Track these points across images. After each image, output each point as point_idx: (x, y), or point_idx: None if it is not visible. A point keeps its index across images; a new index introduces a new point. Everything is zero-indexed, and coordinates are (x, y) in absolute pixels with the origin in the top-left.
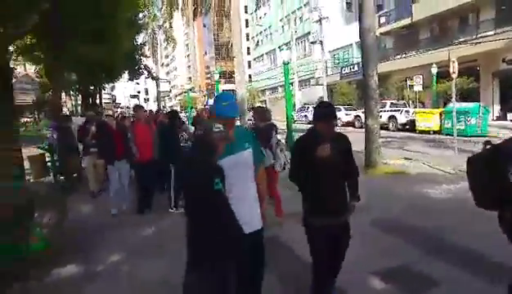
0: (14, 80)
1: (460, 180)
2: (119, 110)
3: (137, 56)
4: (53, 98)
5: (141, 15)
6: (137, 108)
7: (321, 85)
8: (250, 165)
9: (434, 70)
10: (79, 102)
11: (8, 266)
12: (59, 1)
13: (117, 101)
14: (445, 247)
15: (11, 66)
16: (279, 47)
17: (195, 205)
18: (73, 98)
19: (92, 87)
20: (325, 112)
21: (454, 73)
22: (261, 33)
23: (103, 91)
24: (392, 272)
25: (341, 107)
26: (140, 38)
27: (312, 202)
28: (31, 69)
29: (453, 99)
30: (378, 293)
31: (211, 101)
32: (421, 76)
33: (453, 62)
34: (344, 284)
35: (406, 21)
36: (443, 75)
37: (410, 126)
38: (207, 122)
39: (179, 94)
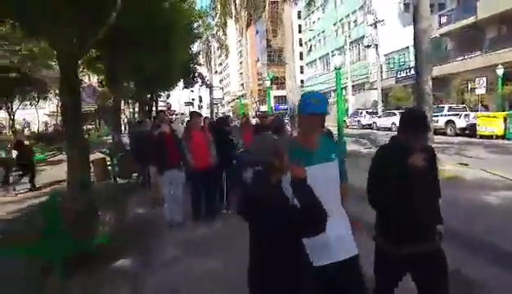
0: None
1: None
2: (173, 117)
3: (192, 65)
4: (114, 106)
5: (195, 24)
6: (194, 114)
7: (375, 89)
8: (337, 178)
9: (500, 71)
10: (136, 109)
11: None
12: (122, 14)
13: (172, 108)
14: (490, 249)
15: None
16: (332, 52)
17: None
18: (130, 106)
19: (148, 95)
20: (413, 120)
21: None
22: (314, 37)
23: (159, 99)
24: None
25: (396, 111)
26: (194, 47)
27: (394, 226)
28: (94, 79)
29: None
30: None
31: (263, 108)
32: (485, 78)
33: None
34: None
35: (469, 20)
36: (510, 77)
37: (471, 131)
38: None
39: (231, 100)
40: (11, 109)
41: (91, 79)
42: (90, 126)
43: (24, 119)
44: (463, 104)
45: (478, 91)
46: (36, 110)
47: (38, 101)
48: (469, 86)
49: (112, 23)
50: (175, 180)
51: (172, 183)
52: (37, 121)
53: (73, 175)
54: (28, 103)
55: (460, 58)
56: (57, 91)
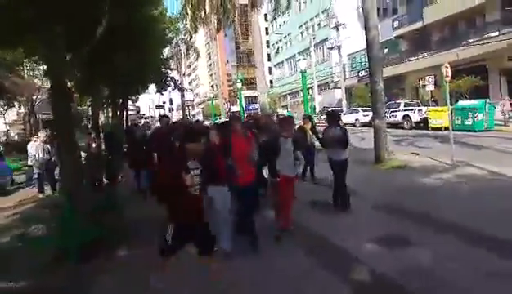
0: (45, 96)
1: (454, 169)
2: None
3: (164, 69)
4: (94, 111)
5: (167, 30)
6: (234, 118)
7: (340, 88)
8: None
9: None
10: (110, 114)
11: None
12: (97, 18)
13: (141, 112)
14: (428, 220)
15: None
16: (298, 53)
17: None
18: (104, 110)
19: (120, 100)
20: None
21: (447, 76)
22: (281, 40)
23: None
24: (387, 239)
25: (359, 109)
26: (165, 52)
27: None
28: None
29: (447, 100)
30: (378, 255)
31: (234, 108)
32: (433, 76)
33: (446, 67)
34: (354, 250)
35: (417, 24)
36: (454, 75)
37: (424, 124)
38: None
39: (202, 102)
40: None
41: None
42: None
43: None
44: (417, 100)
45: (427, 88)
46: (3, 119)
47: (7, 110)
48: (421, 83)
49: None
50: (219, 198)
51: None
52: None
53: (67, 178)
54: None
55: (412, 58)
56: (24, 99)
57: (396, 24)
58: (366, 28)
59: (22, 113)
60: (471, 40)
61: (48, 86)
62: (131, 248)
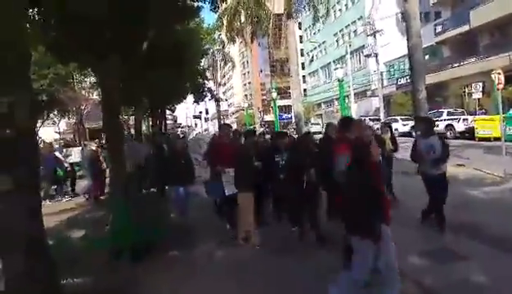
0: (89, 108)
1: (506, 182)
2: (179, 130)
3: (201, 80)
4: (137, 121)
5: (203, 41)
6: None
7: (377, 96)
8: None
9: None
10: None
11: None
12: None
13: (178, 121)
14: (478, 234)
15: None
16: (333, 61)
17: None
18: (145, 121)
19: (159, 110)
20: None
21: (500, 83)
22: (315, 48)
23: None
24: (435, 253)
25: (398, 118)
26: (202, 63)
27: None
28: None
29: (500, 109)
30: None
31: (267, 117)
32: (481, 83)
33: (498, 73)
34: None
35: (463, 28)
36: (507, 81)
37: (470, 134)
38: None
39: (236, 112)
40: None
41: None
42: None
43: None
44: (462, 108)
45: (474, 96)
46: (57, 128)
47: (60, 120)
48: (466, 91)
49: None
50: None
51: None
52: (52, 139)
53: (115, 185)
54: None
55: (456, 64)
56: (74, 109)
57: (438, 29)
58: (408, 35)
59: (71, 123)
60: None
61: (95, 97)
62: (181, 250)
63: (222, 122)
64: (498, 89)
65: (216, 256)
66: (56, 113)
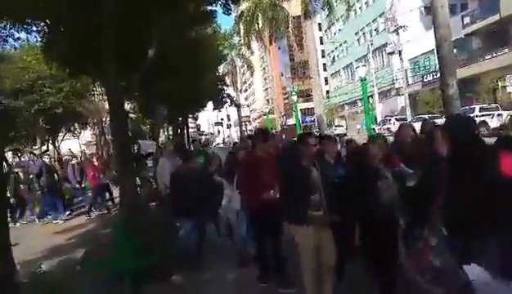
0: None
1: None
2: (203, 138)
3: (220, 86)
4: (154, 131)
5: (220, 47)
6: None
7: (402, 95)
8: None
9: None
10: (171, 132)
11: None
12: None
13: (201, 129)
14: None
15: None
16: (355, 61)
17: None
18: (165, 130)
19: (179, 118)
20: None
21: None
22: (336, 48)
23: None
24: None
25: (426, 116)
26: (221, 69)
27: None
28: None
29: None
30: None
31: (290, 121)
32: None
33: None
34: None
35: (493, 18)
36: None
37: (506, 130)
38: None
39: (258, 117)
40: (56, 141)
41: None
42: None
43: (69, 149)
44: (495, 103)
45: (509, 89)
46: (78, 140)
47: (81, 132)
48: (500, 84)
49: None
50: None
51: None
52: (79, 150)
53: (124, 197)
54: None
55: (488, 56)
56: (95, 121)
57: (466, 20)
58: (435, 27)
59: (96, 135)
60: None
61: None
62: (186, 273)
63: (244, 128)
64: None
65: (224, 282)
66: (76, 125)
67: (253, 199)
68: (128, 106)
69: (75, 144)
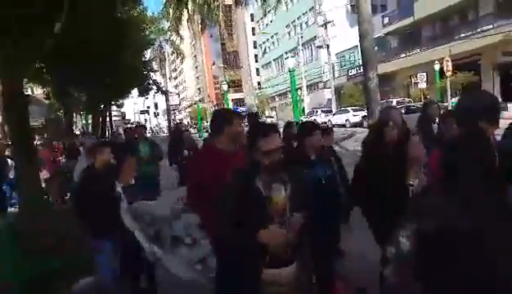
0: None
1: None
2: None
3: (146, 72)
4: (66, 118)
5: (147, 31)
6: None
7: (329, 88)
8: None
9: (437, 67)
10: (89, 121)
11: None
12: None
13: (126, 118)
14: None
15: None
16: (286, 53)
17: None
18: (83, 117)
19: (101, 106)
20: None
21: (448, 71)
22: (268, 40)
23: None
24: None
25: (349, 108)
26: (147, 54)
27: None
28: (38, 91)
29: (449, 95)
30: None
31: None
32: (425, 73)
33: (447, 61)
34: None
35: (408, 20)
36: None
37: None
38: None
39: (188, 106)
40: None
41: (34, 92)
42: (38, 142)
43: None
44: (409, 98)
45: (419, 86)
46: None
47: None
48: (413, 81)
49: (55, 36)
50: None
51: None
52: None
53: (26, 194)
54: None
55: (403, 55)
56: None
57: (386, 20)
58: (359, 22)
59: None
60: (463, 35)
61: (29, 92)
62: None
63: (173, 117)
64: (447, 76)
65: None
66: None
67: None
68: (42, 91)
69: None
